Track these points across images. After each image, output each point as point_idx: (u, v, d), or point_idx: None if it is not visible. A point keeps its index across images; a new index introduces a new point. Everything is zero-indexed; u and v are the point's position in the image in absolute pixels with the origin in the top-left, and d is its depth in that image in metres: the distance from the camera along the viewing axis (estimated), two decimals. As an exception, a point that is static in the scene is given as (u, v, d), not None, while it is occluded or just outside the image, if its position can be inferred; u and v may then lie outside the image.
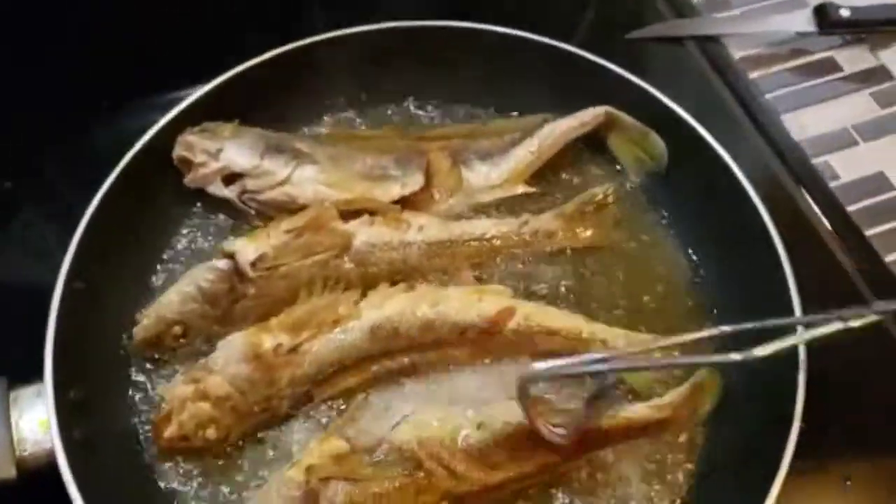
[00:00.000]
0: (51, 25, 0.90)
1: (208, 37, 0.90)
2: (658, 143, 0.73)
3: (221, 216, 0.74)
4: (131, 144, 0.69)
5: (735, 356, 0.50)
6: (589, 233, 0.73)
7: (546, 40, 0.76)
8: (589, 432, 0.57)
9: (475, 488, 0.57)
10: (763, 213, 0.67)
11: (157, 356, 0.65)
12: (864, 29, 0.91)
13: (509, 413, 0.58)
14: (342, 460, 0.56)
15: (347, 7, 0.83)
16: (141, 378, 0.65)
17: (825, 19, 0.91)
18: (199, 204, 0.74)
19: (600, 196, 0.73)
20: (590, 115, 0.74)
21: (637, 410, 0.61)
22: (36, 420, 0.56)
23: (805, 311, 0.63)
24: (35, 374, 0.57)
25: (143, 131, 0.70)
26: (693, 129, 0.71)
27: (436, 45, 0.77)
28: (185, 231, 0.73)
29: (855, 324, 0.51)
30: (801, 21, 0.92)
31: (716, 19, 0.94)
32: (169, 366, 0.65)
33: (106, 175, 0.67)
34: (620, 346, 0.66)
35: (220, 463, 0.62)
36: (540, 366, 0.50)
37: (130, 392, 0.64)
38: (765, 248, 0.66)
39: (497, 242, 0.71)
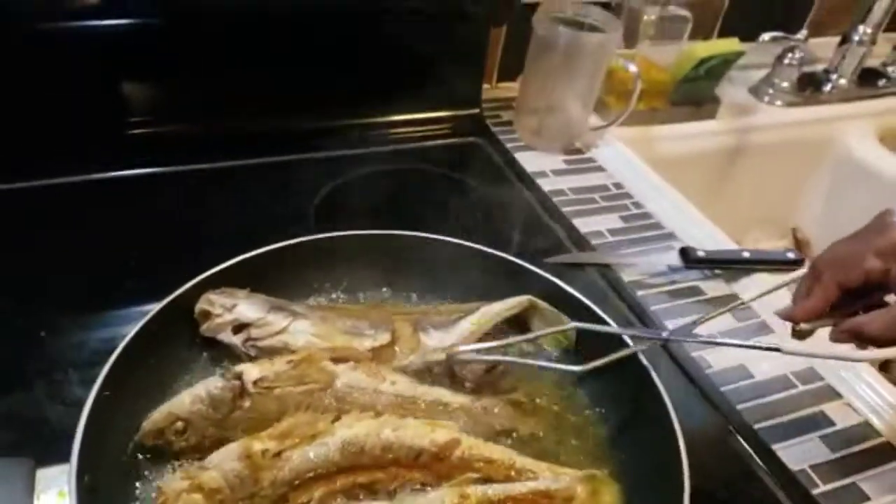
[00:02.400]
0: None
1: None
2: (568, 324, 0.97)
3: (223, 363, 0.90)
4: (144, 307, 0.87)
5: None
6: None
7: (488, 249, 1.02)
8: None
9: None
10: (652, 374, 0.87)
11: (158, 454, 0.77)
12: (716, 266, 1.25)
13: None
14: None
15: (327, 217, 1.12)
16: (144, 473, 0.75)
17: (687, 258, 1.24)
18: (204, 354, 0.91)
19: (527, 363, 0.94)
20: (515, 301, 0.98)
21: (537, 482, 0.78)
22: (54, 498, 0.66)
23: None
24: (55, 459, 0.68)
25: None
26: (595, 313, 0.95)
27: (404, 248, 1.03)
28: (190, 374, 0.89)
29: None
30: (671, 258, 1.25)
31: (609, 254, 1.26)
32: (168, 464, 0.76)
33: (122, 330, 0.84)
34: (545, 475, 0.82)
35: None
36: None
37: (134, 484, 0.74)
38: (657, 405, 0.85)
39: (451, 408, 0.88)
